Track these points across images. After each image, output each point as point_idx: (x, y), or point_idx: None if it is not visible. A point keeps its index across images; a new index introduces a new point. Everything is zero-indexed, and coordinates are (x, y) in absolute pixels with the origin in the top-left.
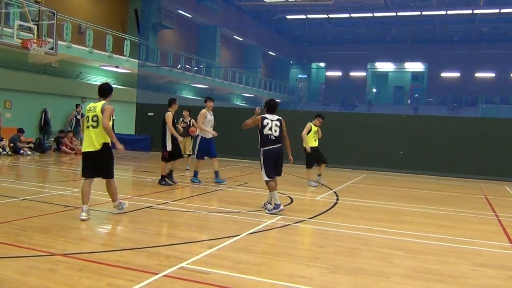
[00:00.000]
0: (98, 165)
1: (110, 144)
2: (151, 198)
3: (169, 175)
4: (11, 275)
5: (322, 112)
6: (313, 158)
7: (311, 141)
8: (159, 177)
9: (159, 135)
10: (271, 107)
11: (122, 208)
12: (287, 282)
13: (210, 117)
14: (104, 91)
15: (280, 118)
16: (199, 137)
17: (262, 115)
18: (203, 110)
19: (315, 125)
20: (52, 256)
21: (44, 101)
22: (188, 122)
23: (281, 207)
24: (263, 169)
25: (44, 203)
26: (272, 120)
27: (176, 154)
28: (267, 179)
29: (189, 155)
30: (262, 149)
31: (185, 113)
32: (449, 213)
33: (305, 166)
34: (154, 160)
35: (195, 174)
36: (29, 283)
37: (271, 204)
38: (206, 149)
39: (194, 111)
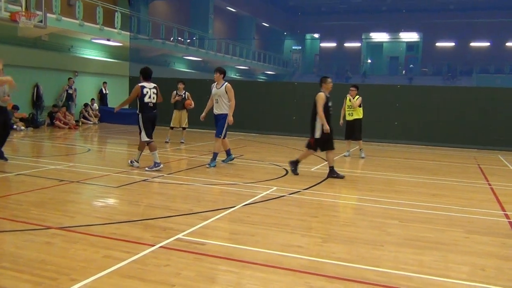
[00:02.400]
0: None
1: None
2: (146, 171)
3: (333, 170)
4: (8, 248)
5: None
6: (347, 132)
7: (346, 115)
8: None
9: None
10: (147, 75)
11: None
12: (283, 252)
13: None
14: None
15: (155, 85)
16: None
17: (141, 84)
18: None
19: (349, 98)
20: (48, 229)
21: (36, 76)
22: (183, 95)
23: (161, 165)
24: (143, 131)
25: (39, 178)
26: (150, 89)
27: (325, 143)
28: (148, 139)
29: (184, 128)
30: (141, 114)
31: (180, 85)
32: (443, 182)
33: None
34: None
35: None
36: (26, 256)
37: (137, 162)
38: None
39: (189, 84)
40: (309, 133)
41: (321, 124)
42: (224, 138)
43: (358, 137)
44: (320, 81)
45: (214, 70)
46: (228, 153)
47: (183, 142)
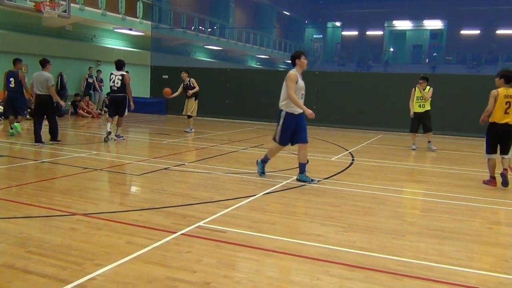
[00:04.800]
0: None
1: None
2: (167, 160)
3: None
4: (34, 234)
5: (339, 72)
6: (415, 124)
7: (415, 106)
8: None
9: (173, 98)
10: (117, 65)
11: None
12: (303, 240)
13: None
14: None
15: (123, 73)
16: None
17: (112, 72)
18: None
19: (419, 89)
20: (73, 215)
21: (59, 65)
22: (188, 83)
23: (108, 129)
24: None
25: (64, 165)
26: (116, 75)
27: None
28: (108, 116)
29: (189, 117)
30: (106, 95)
31: (183, 74)
32: (465, 173)
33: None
34: (169, 123)
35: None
36: (51, 241)
37: (122, 137)
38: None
39: (210, 73)
40: None
41: None
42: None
43: (430, 128)
44: None
45: (302, 53)
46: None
47: (187, 131)
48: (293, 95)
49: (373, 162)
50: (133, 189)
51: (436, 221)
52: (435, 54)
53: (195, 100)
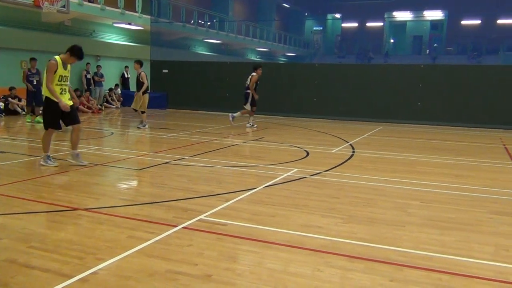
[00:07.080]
0: None
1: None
2: (168, 154)
3: None
4: (37, 229)
5: (339, 64)
6: None
7: None
8: None
9: (174, 92)
10: (254, 66)
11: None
12: (304, 232)
13: None
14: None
15: (253, 74)
16: None
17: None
18: None
19: None
20: (75, 210)
21: None
22: (138, 76)
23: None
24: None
25: (65, 161)
26: (249, 76)
27: None
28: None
29: (142, 112)
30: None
31: (136, 65)
32: (466, 163)
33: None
34: (170, 117)
35: None
36: (54, 236)
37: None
38: None
39: (209, 66)
40: None
41: None
42: None
43: None
44: None
45: None
46: None
47: (139, 127)
48: None
49: (374, 153)
50: (134, 183)
51: (436, 211)
52: (435, 45)
53: (143, 94)
